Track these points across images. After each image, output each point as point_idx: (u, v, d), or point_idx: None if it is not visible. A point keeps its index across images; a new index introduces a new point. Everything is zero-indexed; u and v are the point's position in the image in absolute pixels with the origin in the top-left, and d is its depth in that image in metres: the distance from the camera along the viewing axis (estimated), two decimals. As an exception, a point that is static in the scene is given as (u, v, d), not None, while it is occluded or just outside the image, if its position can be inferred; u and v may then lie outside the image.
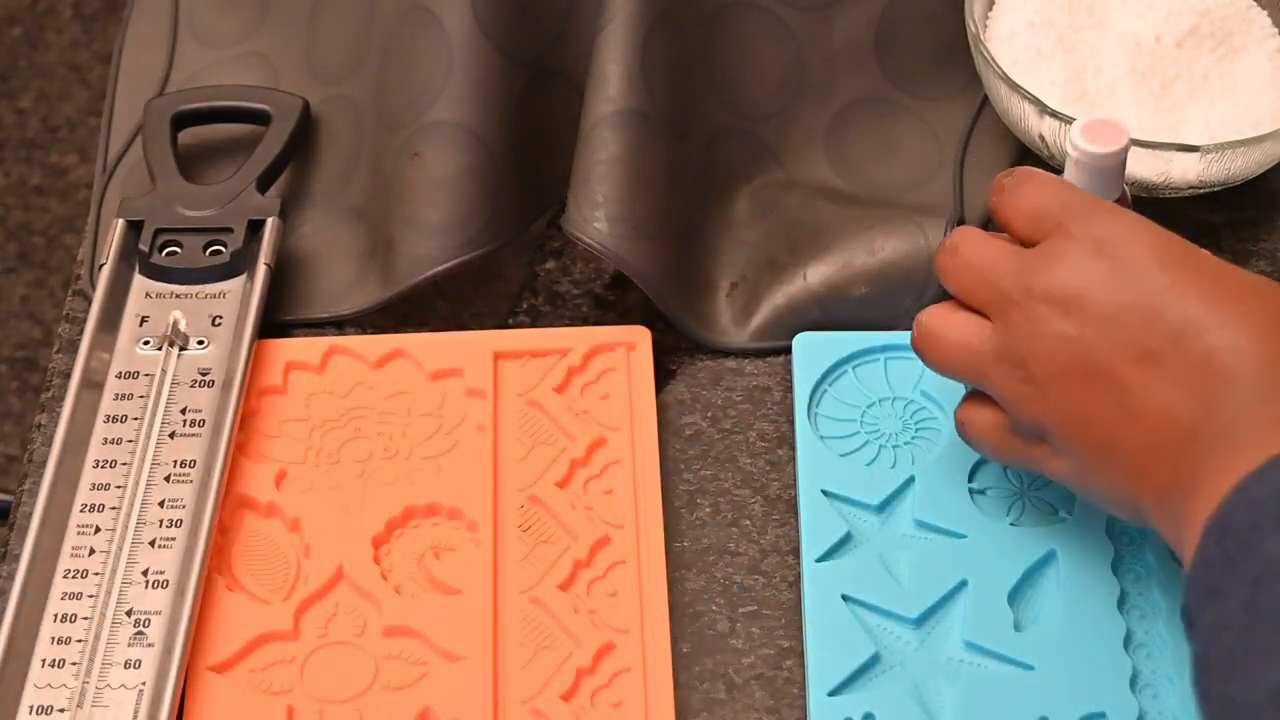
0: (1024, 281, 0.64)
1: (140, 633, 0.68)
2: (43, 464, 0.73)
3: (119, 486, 0.72)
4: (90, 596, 0.69)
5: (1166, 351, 0.61)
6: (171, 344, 0.76)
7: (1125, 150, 0.68)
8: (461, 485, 0.73)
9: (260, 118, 0.84)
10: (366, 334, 0.79)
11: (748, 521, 0.74)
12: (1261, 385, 0.59)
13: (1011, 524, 0.71)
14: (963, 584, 0.70)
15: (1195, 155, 0.77)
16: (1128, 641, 0.68)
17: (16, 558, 0.71)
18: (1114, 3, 0.83)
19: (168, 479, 0.72)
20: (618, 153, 0.77)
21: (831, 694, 0.67)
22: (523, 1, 0.81)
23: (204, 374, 0.75)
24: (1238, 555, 0.54)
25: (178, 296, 0.78)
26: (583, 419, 0.75)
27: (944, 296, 0.79)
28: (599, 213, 0.76)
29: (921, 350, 0.68)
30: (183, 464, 0.72)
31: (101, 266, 0.78)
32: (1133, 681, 0.67)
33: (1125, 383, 0.61)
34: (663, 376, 0.78)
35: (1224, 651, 0.53)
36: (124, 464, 0.72)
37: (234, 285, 0.78)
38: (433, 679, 0.68)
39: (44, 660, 0.67)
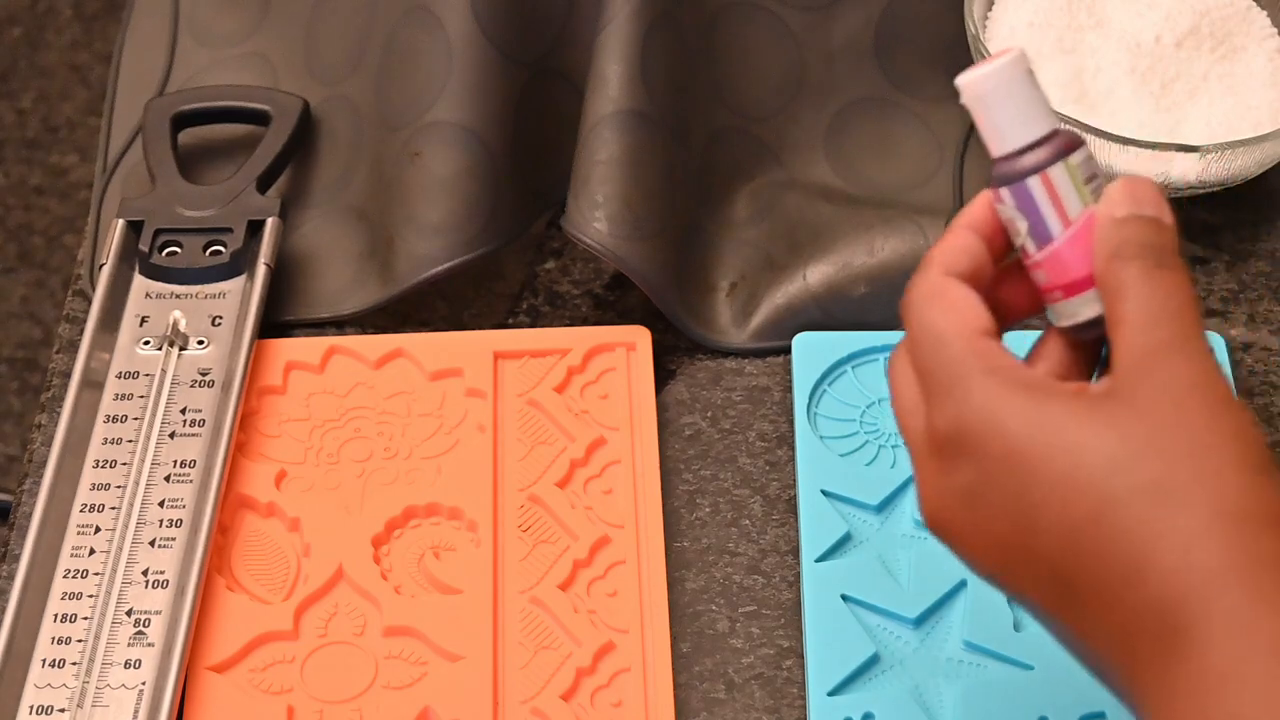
0: (912, 458, 0.54)
1: (140, 633, 0.68)
2: (43, 464, 0.73)
3: (119, 486, 0.72)
4: (90, 596, 0.69)
5: (1048, 600, 0.51)
6: (171, 344, 0.76)
7: (1013, 66, 0.53)
8: (461, 485, 0.73)
9: (260, 118, 0.84)
10: (366, 334, 0.79)
11: (747, 521, 0.74)
12: (1161, 629, 0.48)
13: (1011, 524, 0.71)
14: (962, 584, 0.70)
15: (1195, 155, 0.77)
16: (1127, 641, 0.68)
17: (17, 558, 0.71)
18: (1114, 3, 0.83)
19: (168, 479, 0.72)
20: (618, 153, 0.77)
21: (831, 694, 0.67)
22: (523, 2, 0.81)
23: (204, 374, 0.75)
24: None
25: (178, 296, 0.78)
26: (583, 419, 0.75)
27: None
28: (599, 213, 0.76)
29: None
30: (183, 464, 0.72)
31: (101, 266, 0.78)
32: (1132, 681, 0.67)
33: (1040, 615, 0.52)
34: (663, 376, 0.78)
35: None
36: (124, 464, 0.72)
37: (234, 285, 0.78)
38: (433, 679, 0.68)
39: (44, 660, 0.67)
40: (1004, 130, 0.54)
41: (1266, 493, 0.48)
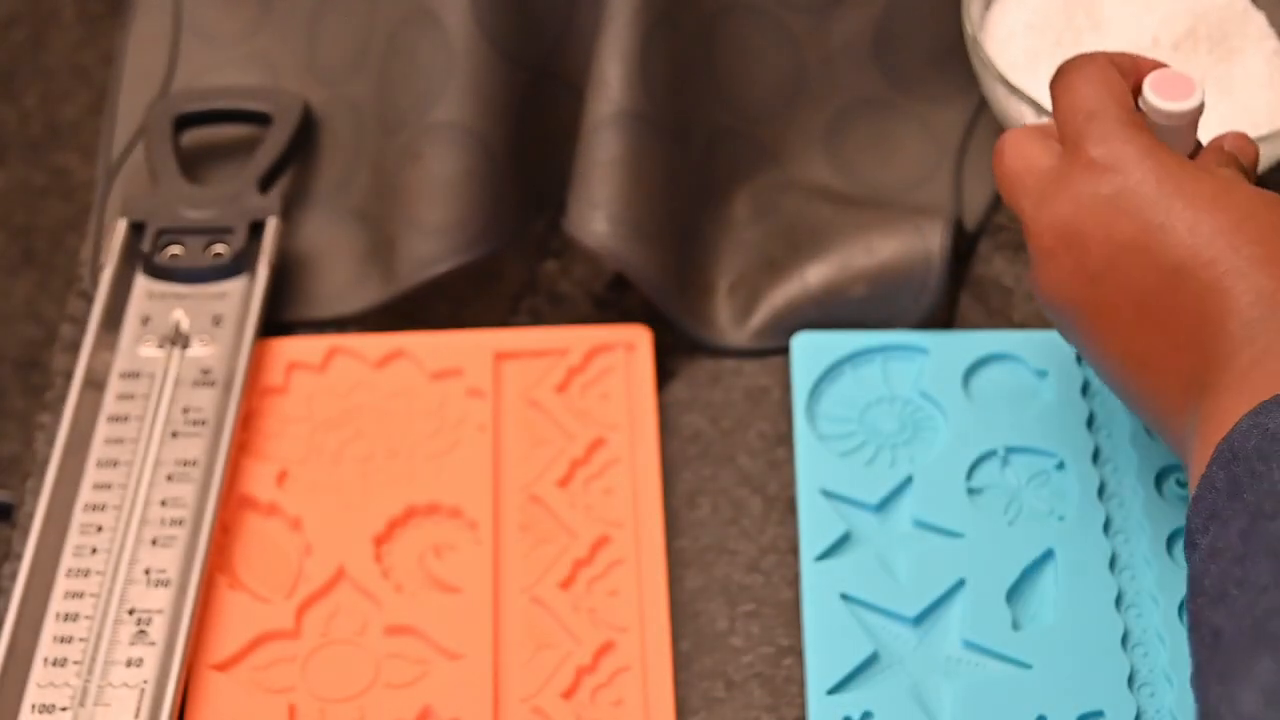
0: (1036, 207, 0.64)
1: (142, 631, 0.68)
2: (45, 463, 0.73)
3: (121, 485, 0.72)
4: (92, 595, 0.69)
5: (1159, 295, 0.60)
6: (173, 344, 0.77)
7: (1199, 108, 0.65)
8: (462, 484, 0.74)
9: (262, 119, 0.85)
10: (367, 334, 0.79)
11: (747, 520, 0.74)
12: (1255, 321, 0.58)
13: (1009, 523, 0.72)
14: (961, 583, 0.70)
15: (1193, 156, 0.77)
16: (1125, 640, 0.68)
17: (19, 557, 0.71)
18: (1112, 4, 0.84)
19: (170, 478, 0.72)
20: (618, 154, 0.77)
21: (830, 692, 0.67)
22: (523, 4, 0.81)
23: (206, 373, 0.76)
24: (1243, 481, 0.54)
25: (180, 296, 0.78)
26: (583, 419, 0.76)
27: (945, 305, 0.79)
28: (599, 213, 0.77)
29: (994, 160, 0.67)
30: (185, 463, 0.73)
31: (104, 267, 0.79)
32: (1130, 680, 0.67)
33: (1127, 328, 0.62)
34: (663, 376, 0.78)
35: (1216, 579, 0.53)
36: (126, 463, 0.73)
37: (236, 285, 0.79)
38: (433, 677, 0.68)
39: (46, 659, 0.67)
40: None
41: None
